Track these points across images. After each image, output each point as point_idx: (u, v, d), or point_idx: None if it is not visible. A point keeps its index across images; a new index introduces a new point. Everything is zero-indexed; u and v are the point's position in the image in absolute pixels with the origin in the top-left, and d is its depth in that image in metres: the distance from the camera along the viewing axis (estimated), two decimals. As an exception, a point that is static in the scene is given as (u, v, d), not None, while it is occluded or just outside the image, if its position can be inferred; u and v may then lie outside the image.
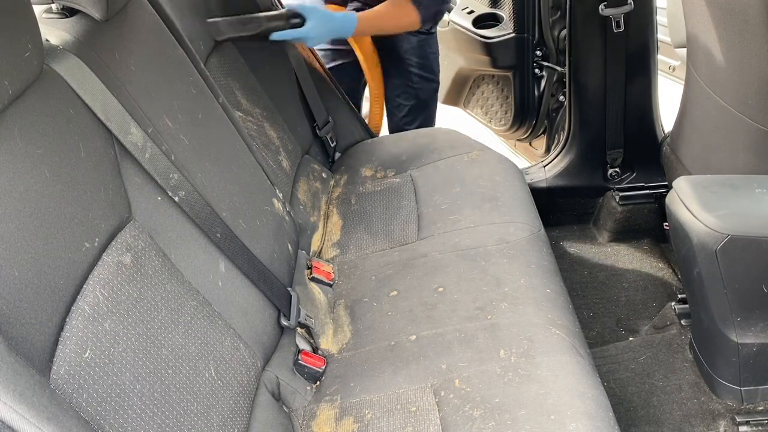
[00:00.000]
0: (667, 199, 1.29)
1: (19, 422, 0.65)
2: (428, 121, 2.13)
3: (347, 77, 2.02)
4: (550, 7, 2.11)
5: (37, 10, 1.02)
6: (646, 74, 1.90)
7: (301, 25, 1.57)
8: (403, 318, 1.27)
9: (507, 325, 1.19)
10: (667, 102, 2.01)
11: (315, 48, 1.92)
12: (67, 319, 0.80)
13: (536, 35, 2.20)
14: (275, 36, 1.54)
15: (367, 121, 2.03)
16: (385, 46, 1.92)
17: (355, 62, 2.04)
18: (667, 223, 1.36)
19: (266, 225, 1.35)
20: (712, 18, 1.32)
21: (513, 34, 2.23)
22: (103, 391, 0.80)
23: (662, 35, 2.09)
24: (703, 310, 1.34)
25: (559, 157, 2.12)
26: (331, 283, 1.46)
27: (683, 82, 1.57)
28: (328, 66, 1.91)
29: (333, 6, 1.81)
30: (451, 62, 2.49)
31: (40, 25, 0.85)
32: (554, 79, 2.24)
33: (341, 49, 1.99)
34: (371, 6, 1.81)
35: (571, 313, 1.28)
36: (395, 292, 1.34)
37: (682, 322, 1.64)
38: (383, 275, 1.41)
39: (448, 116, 2.78)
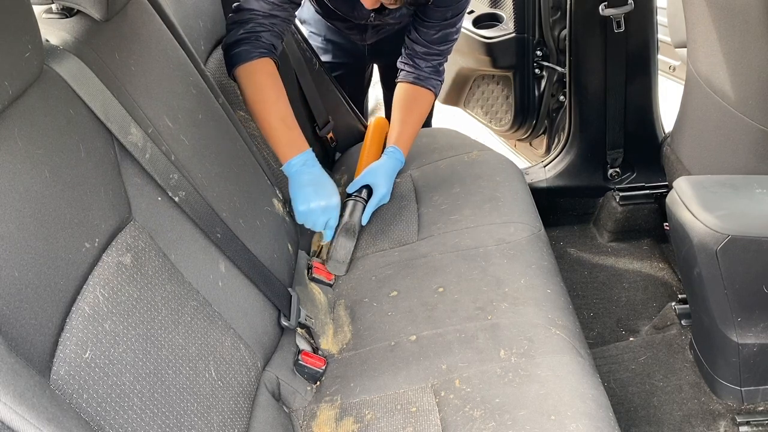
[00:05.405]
0: (668, 200, 1.29)
1: (19, 423, 0.65)
2: (427, 122, 2.13)
3: (351, 79, 2.02)
4: (550, 7, 2.11)
5: (37, 10, 1.02)
6: (646, 74, 1.90)
7: (370, 193, 1.56)
8: (403, 318, 1.27)
9: (507, 325, 1.19)
10: (667, 102, 2.01)
11: (323, 58, 1.92)
12: (67, 320, 0.80)
13: (536, 35, 2.20)
14: (365, 221, 1.54)
15: (368, 121, 2.03)
16: (385, 49, 1.91)
17: (359, 64, 2.04)
18: (667, 223, 1.36)
19: (266, 225, 1.35)
20: (712, 18, 1.32)
21: (513, 34, 2.23)
22: (103, 391, 0.80)
23: (662, 35, 2.09)
24: (703, 311, 1.34)
25: (559, 157, 2.12)
26: (331, 283, 1.46)
27: (683, 82, 1.57)
28: (333, 74, 1.91)
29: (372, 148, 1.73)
30: (451, 62, 2.47)
31: (40, 25, 0.85)
32: (554, 79, 2.24)
33: (348, 63, 1.99)
34: (388, 32, 1.82)
35: (571, 313, 1.28)
36: (395, 293, 1.34)
37: (683, 322, 1.64)
38: (383, 275, 1.41)
39: (448, 116, 2.78)
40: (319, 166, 1.46)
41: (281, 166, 1.46)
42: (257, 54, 1.42)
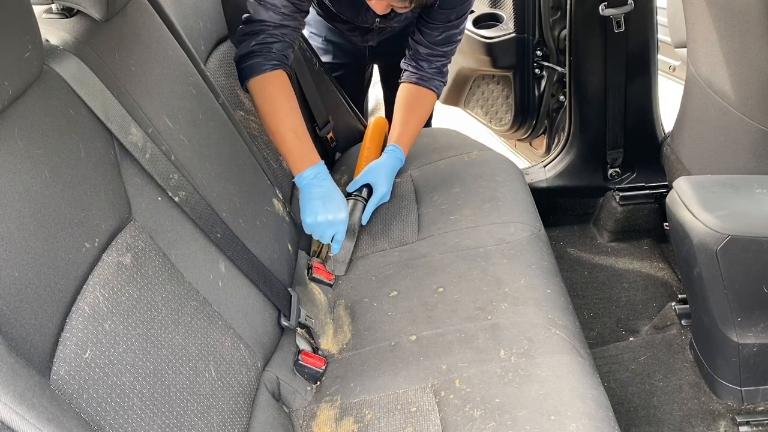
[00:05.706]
0: (668, 200, 1.29)
1: (19, 423, 0.65)
2: (427, 122, 2.13)
3: (351, 79, 2.02)
4: (550, 7, 2.11)
5: (37, 10, 1.02)
6: (646, 74, 1.90)
7: (370, 192, 1.56)
8: (404, 318, 1.27)
9: (507, 325, 1.19)
10: (667, 102, 2.01)
11: (323, 59, 1.92)
12: (67, 320, 0.80)
13: (536, 35, 2.20)
14: (366, 220, 1.54)
15: (368, 121, 2.03)
16: (385, 50, 1.92)
17: (359, 64, 2.04)
18: (667, 223, 1.36)
19: (266, 225, 1.35)
20: (712, 18, 1.32)
21: (513, 34, 2.23)
22: (103, 391, 0.80)
23: (662, 35, 2.09)
24: (703, 311, 1.34)
25: (559, 157, 2.12)
26: (331, 283, 1.46)
27: (683, 82, 1.57)
28: (333, 75, 1.91)
29: (371, 144, 1.74)
30: (451, 62, 2.49)
31: (40, 25, 0.85)
32: (554, 79, 2.24)
33: (348, 63, 1.99)
34: (390, 33, 1.82)
35: (571, 313, 1.28)
36: (395, 293, 1.34)
37: (683, 322, 1.64)
38: (383, 275, 1.41)
39: (448, 116, 2.78)
40: (330, 179, 1.47)
41: (293, 178, 1.47)
42: (269, 66, 1.43)
